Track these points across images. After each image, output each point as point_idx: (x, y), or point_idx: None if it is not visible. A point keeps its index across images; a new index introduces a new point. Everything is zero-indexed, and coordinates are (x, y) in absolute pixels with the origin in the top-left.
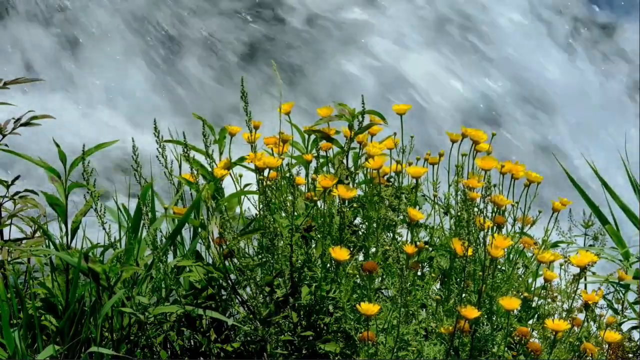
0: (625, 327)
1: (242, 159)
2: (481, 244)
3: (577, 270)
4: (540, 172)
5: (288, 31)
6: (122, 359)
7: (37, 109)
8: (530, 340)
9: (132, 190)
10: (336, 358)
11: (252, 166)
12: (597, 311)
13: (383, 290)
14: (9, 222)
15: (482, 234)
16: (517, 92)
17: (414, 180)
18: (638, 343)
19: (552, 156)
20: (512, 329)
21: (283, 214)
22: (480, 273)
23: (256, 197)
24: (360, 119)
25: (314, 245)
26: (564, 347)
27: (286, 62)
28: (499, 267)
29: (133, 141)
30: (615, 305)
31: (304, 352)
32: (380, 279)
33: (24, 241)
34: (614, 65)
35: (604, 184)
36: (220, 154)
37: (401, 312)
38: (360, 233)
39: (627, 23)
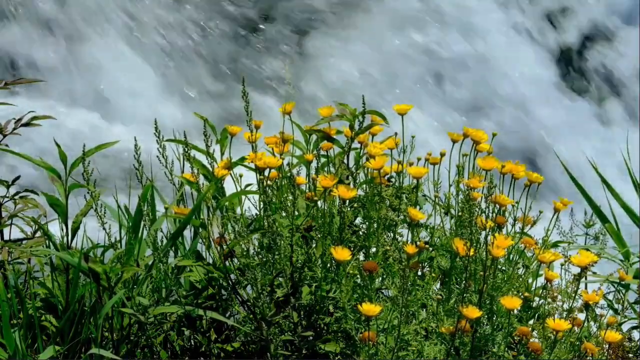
0: (625, 327)
1: (242, 158)
2: (482, 244)
3: (578, 269)
4: None
5: None
6: None
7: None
8: (531, 340)
9: (133, 190)
10: (336, 358)
11: (252, 166)
12: (598, 311)
13: (383, 290)
14: (9, 222)
15: (483, 233)
16: None
17: (415, 181)
18: (638, 343)
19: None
20: (512, 329)
21: (283, 214)
22: (481, 273)
23: (257, 197)
24: (361, 119)
25: (314, 245)
26: (565, 347)
27: None
28: (500, 267)
29: (135, 140)
30: (616, 305)
31: (304, 352)
32: (380, 279)
33: (24, 241)
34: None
35: (605, 183)
36: (222, 154)
37: (402, 312)
38: (361, 233)
39: None
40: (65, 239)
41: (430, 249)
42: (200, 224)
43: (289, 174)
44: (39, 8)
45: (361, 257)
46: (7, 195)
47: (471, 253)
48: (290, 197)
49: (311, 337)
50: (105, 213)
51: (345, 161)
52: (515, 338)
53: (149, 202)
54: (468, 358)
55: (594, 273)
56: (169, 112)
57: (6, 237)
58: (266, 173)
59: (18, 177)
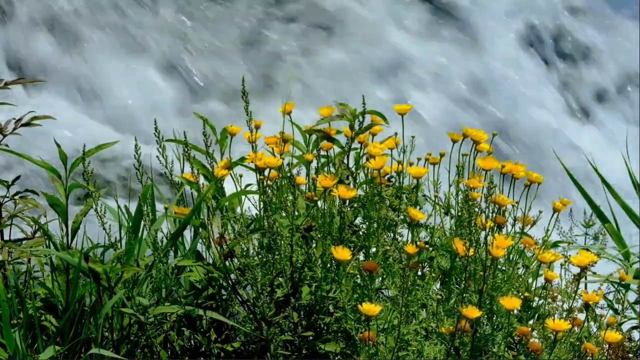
0: (625, 327)
1: (242, 158)
2: (482, 244)
3: (578, 270)
4: None
5: None
6: None
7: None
8: (531, 340)
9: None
10: (336, 358)
11: (252, 166)
12: (598, 311)
13: (383, 290)
14: (9, 222)
15: (483, 234)
16: None
17: (415, 181)
18: (638, 343)
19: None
20: (512, 329)
21: (283, 214)
22: (481, 273)
23: (257, 197)
24: (361, 119)
25: (314, 245)
26: (565, 347)
27: None
28: (500, 267)
29: (136, 140)
30: (616, 305)
31: (304, 352)
32: (380, 279)
33: (24, 241)
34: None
35: (605, 183)
36: (222, 154)
37: (402, 312)
38: (361, 233)
39: None
40: (65, 239)
41: (430, 249)
42: (200, 224)
43: (289, 174)
44: (40, 8)
45: (361, 257)
46: (7, 195)
47: (471, 253)
48: (290, 197)
49: (311, 337)
50: (105, 213)
51: (345, 161)
52: (515, 338)
53: (149, 202)
54: (468, 358)
55: (594, 273)
56: (168, 111)
57: (6, 237)
58: (266, 173)
59: (18, 177)
